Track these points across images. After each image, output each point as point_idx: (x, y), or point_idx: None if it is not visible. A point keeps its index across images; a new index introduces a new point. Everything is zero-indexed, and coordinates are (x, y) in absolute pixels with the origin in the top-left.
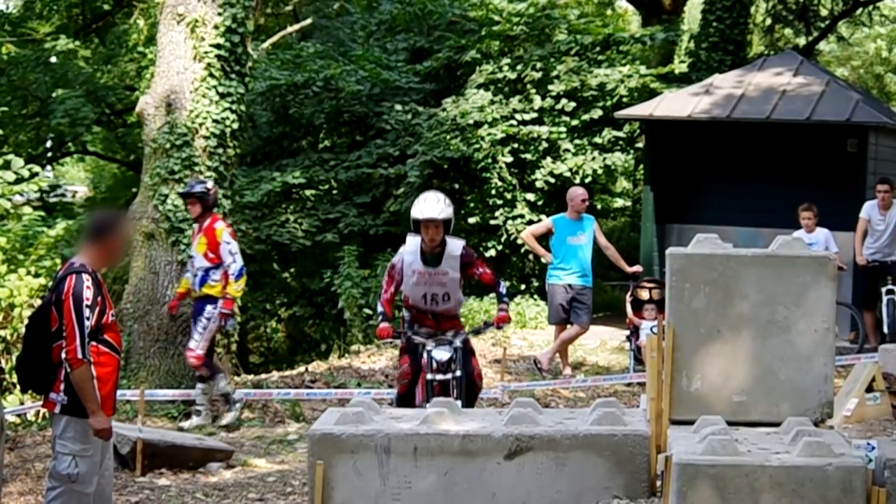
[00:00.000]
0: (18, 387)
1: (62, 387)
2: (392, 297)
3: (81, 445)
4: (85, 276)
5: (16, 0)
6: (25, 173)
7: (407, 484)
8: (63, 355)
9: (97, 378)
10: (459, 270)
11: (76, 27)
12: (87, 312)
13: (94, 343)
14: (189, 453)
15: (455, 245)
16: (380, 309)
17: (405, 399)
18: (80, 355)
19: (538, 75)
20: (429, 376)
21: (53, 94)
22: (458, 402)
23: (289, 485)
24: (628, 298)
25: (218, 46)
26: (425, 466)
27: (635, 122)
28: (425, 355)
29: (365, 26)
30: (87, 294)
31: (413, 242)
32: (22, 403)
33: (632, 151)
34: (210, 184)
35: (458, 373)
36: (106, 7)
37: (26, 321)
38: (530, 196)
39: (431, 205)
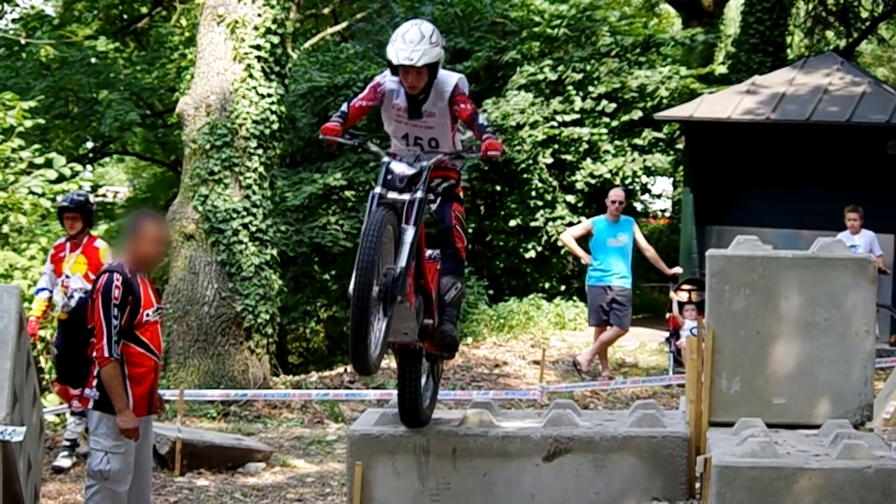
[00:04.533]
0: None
1: (95, 383)
2: (364, 110)
3: (114, 442)
4: (116, 276)
5: (55, 1)
6: (67, 172)
7: (446, 485)
8: (94, 353)
9: (130, 377)
10: (448, 107)
11: (115, 29)
12: (114, 311)
13: (127, 342)
14: (228, 453)
15: (447, 81)
16: (342, 108)
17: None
18: (106, 354)
19: (579, 77)
20: (378, 189)
21: (96, 96)
22: (411, 229)
23: (327, 485)
24: (672, 297)
25: (258, 47)
26: (464, 467)
27: (675, 123)
28: (381, 167)
29: None
30: (116, 293)
31: (392, 75)
32: (61, 403)
33: (672, 153)
34: (92, 197)
35: (419, 194)
36: (143, 10)
37: (66, 317)
38: (570, 198)
39: (408, 43)
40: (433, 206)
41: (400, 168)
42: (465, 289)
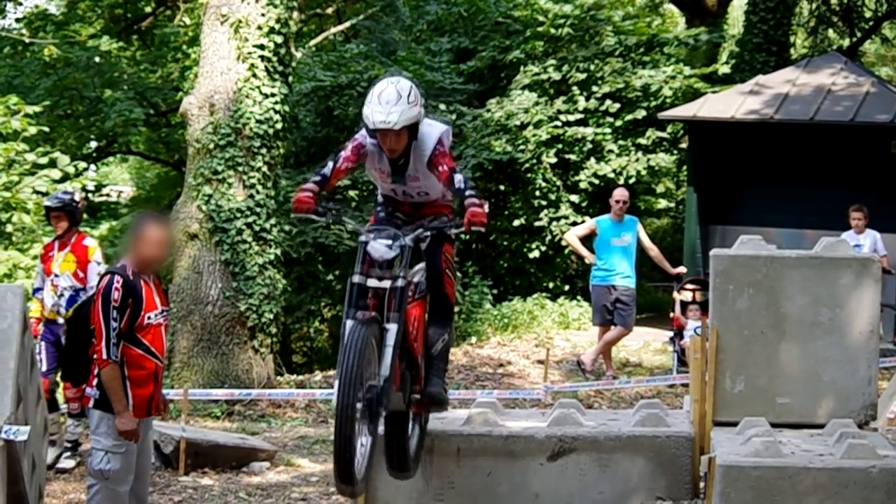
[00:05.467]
0: (61, 384)
1: (95, 382)
2: (347, 171)
3: (114, 442)
4: (116, 278)
5: (58, 1)
6: (71, 171)
7: (450, 484)
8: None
9: (130, 379)
10: (427, 165)
11: (118, 28)
12: (113, 314)
13: (128, 344)
14: (232, 453)
15: (427, 142)
16: (327, 163)
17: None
18: (105, 356)
19: (583, 76)
20: (355, 278)
21: (100, 95)
22: (394, 327)
23: (332, 484)
24: (676, 297)
25: (261, 47)
26: (468, 467)
27: (679, 122)
28: (358, 248)
29: (412, 26)
30: (115, 296)
31: (370, 137)
32: (66, 402)
33: (675, 152)
34: (78, 196)
35: (401, 282)
36: (147, 9)
37: (70, 316)
38: (574, 197)
39: (385, 105)
40: (423, 245)
41: (379, 251)
42: (452, 336)
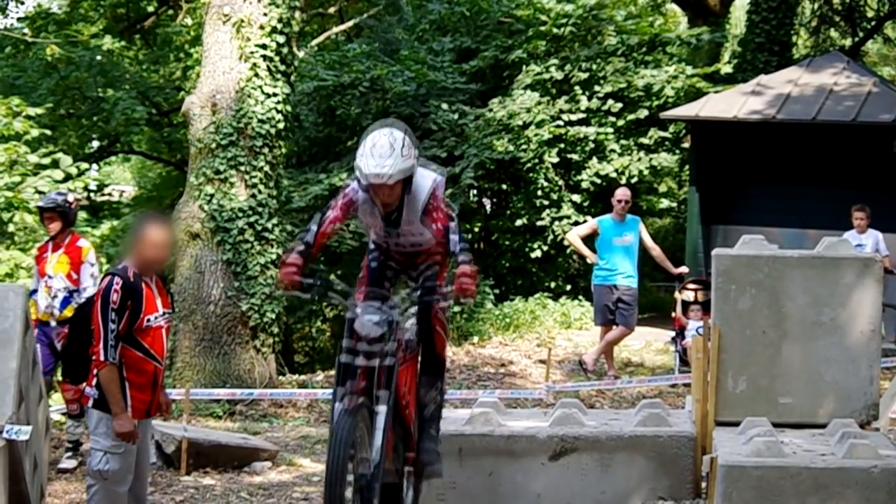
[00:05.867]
0: (57, 387)
1: (94, 381)
2: (334, 231)
3: (113, 442)
4: (116, 280)
5: (61, 0)
6: (74, 171)
7: (452, 484)
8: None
9: (129, 381)
10: (421, 214)
11: (121, 28)
12: (112, 316)
13: (127, 346)
14: (234, 452)
15: (421, 193)
16: (311, 227)
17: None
18: (102, 357)
19: (585, 76)
20: (343, 358)
21: (102, 94)
22: (383, 408)
23: None
24: (677, 297)
25: (263, 46)
26: (470, 466)
27: (681, 122)
28: (346, 323)
29: (415, 25)
30: (114, 297)
31: (363, 188)
32: (65, 403)
33: (677, 152)
34: (71, 197)
35: (389, 361)
36: (150, 8)
37: (70, 315)
38: (576, 197)
39: (378, 157)
40: (415, 285)
41: (366, 327)
42: (444, 395)
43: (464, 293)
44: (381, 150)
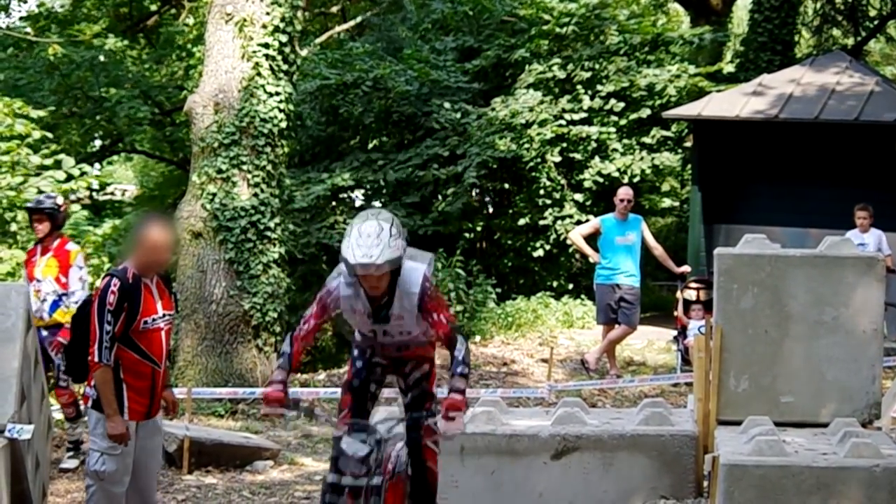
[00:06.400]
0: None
1: (93, 382)
2: (315, 330)
3: (109, 444)
4: (114, 281)
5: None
6: (76, 172)
7: (454, 483)
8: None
9: (126, 383)
10: (416, 309)
11: (123, 27)
12: (108, 317)
13: (125, 348)
14: (236, 451)
15: (412, 279)
16: (284, 350)
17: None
18: (97, 359)
19: (587, 75)
20: (330, 478)
21: (105, 94)
22: None
23: None
24: (679, 296)
25: (266, 46)
26: (472, 466)
27: (683, 121)
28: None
29: (418, 24)
30: (111, 299)
31: (350, 276)
32: (61, 408)
33: (680, 151)
34: (60, 199)
35: (376, 480)
36: (153, 7)
37: (75, 313)
38: (579, 196)
39: (366, 238)
40: (405, 399)
41: (353, 447)
42: None
43: (449, 429)
44: (369, 239)
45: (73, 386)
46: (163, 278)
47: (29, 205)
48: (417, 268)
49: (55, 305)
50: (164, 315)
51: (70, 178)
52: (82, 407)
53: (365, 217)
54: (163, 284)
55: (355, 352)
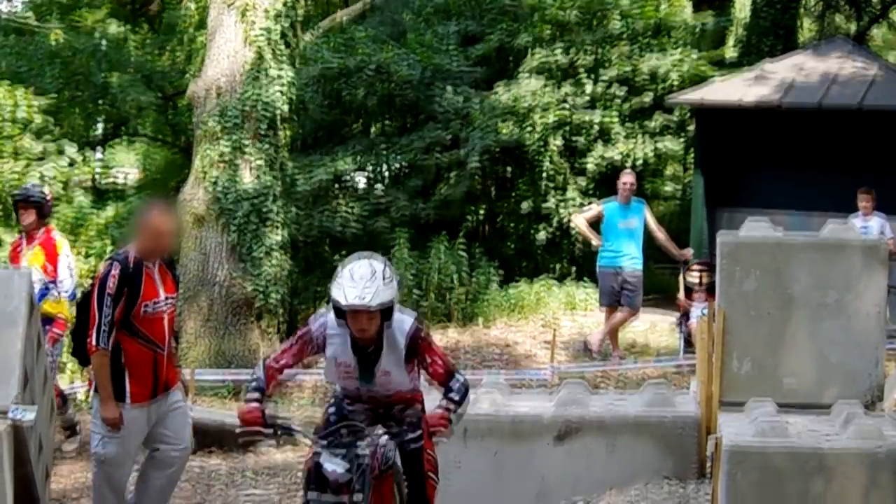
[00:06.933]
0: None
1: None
2: (288, 367)
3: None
4: (115, 266)
5: None
6: (79, 158)
7: (457, 464)
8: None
9: (127, 367)
10: (404, 361)
11: (125, 13)
12: (107, 301)
13: (125, 333)
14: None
15: (402, 327)
16: (257, 374)
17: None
18: (94, 343)
19: (590, 60)
20: (311, 496)
21: (107, 79)
22: None
23: None
24: (681, 280)
25: (268, 31)
26: (475, 447)
27: (686, 107)
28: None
29: (421, 8)
30: (111, 284)
31: (338, 321)
32: (72, 383)
33: (682, 136)
34: (47, 189)
35: (358, 497)
36: None
37: (81, 297)
38: (581, 181)
39: (358, 280)
40: (402, 438)
41: (333, 473)
42: None
43: (437, 426)
44: (362, 281)
45: (58, 378)
46: (166, 262)
47: (16, 194)
48: (406, 323)
49: (43, 294)
50: (166, 299)
51: (73, 163)
52: (86, 392)
53: (356, 261)
54: (166, 268)
55: (331, 408)
